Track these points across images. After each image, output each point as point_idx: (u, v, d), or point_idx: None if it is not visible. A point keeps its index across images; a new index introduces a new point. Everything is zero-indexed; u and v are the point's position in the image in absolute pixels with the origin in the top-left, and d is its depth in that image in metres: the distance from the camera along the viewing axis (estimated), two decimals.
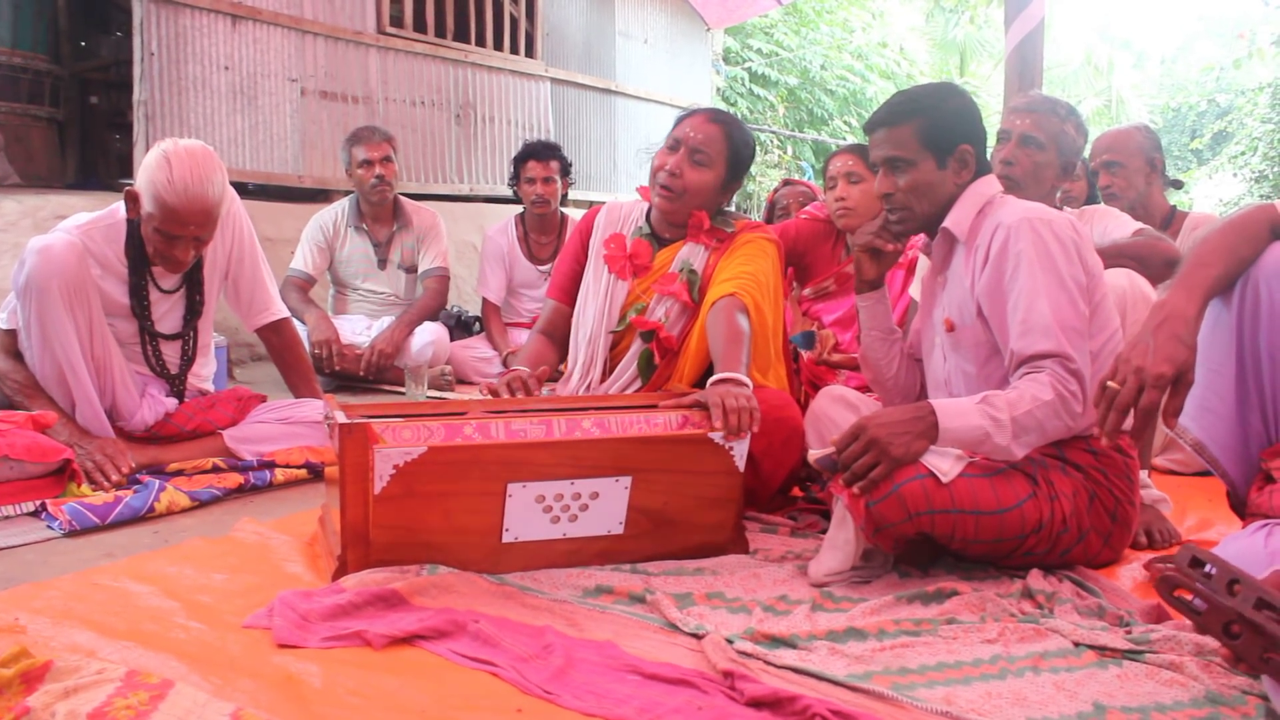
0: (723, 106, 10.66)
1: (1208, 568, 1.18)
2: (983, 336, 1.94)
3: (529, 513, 1.80)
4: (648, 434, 1.84)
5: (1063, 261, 1.84)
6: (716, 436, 1.85)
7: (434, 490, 1.73)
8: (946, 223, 1.97)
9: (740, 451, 1.88)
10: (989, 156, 2.13)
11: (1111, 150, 3.15)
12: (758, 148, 12.40)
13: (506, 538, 1.81)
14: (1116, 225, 2.67)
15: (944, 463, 1.75)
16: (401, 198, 4.35)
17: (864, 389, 2.50)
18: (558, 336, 2.48)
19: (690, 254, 2.37)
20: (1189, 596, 1.20)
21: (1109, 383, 1.49)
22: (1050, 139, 2.48)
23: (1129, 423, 1.46)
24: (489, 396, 2.10)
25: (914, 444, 1.73)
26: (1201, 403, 1.59)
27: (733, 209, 2.52)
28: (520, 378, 2.14)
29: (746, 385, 1.95)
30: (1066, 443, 1.87)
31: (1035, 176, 2.48)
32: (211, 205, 2.37)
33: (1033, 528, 1.78)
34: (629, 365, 2.36)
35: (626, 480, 1.83)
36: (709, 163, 2.31)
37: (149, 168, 2.36)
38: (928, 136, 1.94)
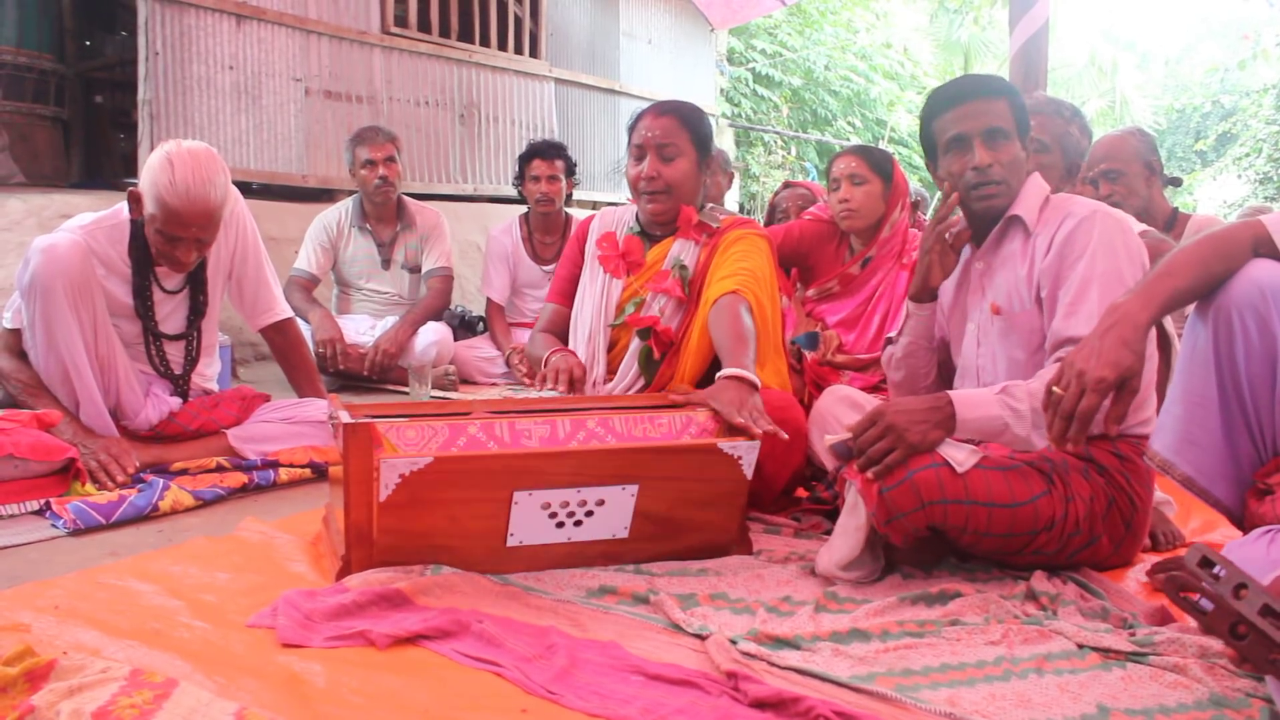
0: (726, 107, 10.67)
1: (1217, 569, 1.18)
2: (1037, 323, 1.92)
3: (534, 518, 1.79)
4: (656, 444, 1.84)
5: (1125, 259, 1.83)
6: (725, 446, 1.85)
7: (439, 497, 1.73)
8: (1018, 210, 1.95)
9: (749, 460, 1.87)
10: None
11: (1109, 158, 3.13)
12: (761, 148, 12.35)
13: (511, 542, 1.80)
14: None
15: (960, 453, 1.74)
16: (405, 198, 4.35)
17: (868, 389, 2.50)
18: (560, 337, 2.52)
19: (681, 250, 2.41)
20: (1195, 597, 1.20)
21: (1054, 388, 1.48)
22: (1054, 140, 2.48)
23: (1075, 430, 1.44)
24: (552, 382, 2.20)
25: (931, 432, 1.74)
26: (1185, 436, 1.57)
27: (726, 207, 2.55)
28: (572, 367, 2.24)
29: (754, 384, 1.97)
30: (1093, 441, 1.84)
31: None
32: (214, 207, 2.38)
33: (1044, 524, 1.77)
34: (630, 365, 2.38)
35: (633, 488, 1.82)
36: (679, 153, 2.36)
37: (152, 169, 2.36)
38: (1017, 116, 1.95)
